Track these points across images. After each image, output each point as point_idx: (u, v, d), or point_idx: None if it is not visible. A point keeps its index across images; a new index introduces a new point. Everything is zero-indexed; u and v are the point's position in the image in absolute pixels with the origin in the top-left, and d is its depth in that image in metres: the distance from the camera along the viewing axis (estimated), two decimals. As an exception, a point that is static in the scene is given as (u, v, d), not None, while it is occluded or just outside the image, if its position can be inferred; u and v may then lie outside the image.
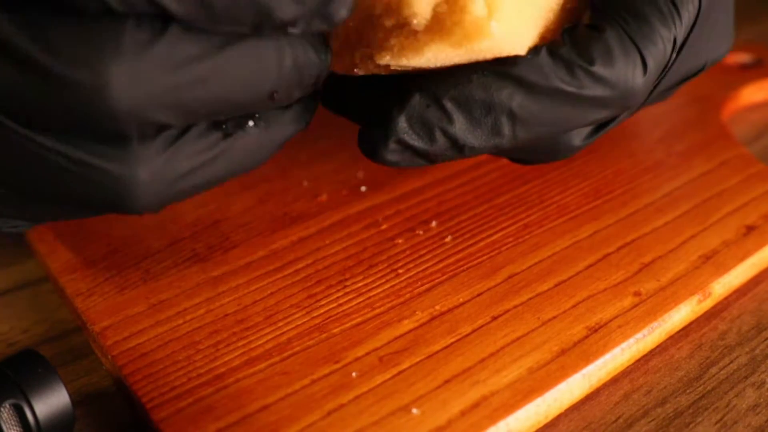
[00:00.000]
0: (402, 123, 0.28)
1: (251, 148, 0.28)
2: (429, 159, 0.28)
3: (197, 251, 0.34)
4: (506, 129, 0.28)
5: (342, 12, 0.25)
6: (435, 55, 0.27)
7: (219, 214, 0.36)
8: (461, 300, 0.32)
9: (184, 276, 0.33)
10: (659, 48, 0.29)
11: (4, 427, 0.25)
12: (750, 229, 0.35)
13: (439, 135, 0.28)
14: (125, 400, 0.30)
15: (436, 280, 0.33)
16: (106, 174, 0.25)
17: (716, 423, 0.29)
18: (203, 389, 0.28)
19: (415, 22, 0.27)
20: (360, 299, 0.32)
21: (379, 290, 0.32)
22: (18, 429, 0.25)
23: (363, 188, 0.38)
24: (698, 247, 0.34)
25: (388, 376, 0.28)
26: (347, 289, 0.32)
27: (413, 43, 0.27)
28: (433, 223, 0.36)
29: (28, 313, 0.34)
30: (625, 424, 0.29)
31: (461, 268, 0.33)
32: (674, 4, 0.29)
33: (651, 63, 0.28)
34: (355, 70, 0.29)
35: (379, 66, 0.28)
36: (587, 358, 0.29)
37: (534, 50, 0.28)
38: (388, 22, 0.27)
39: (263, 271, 0.33)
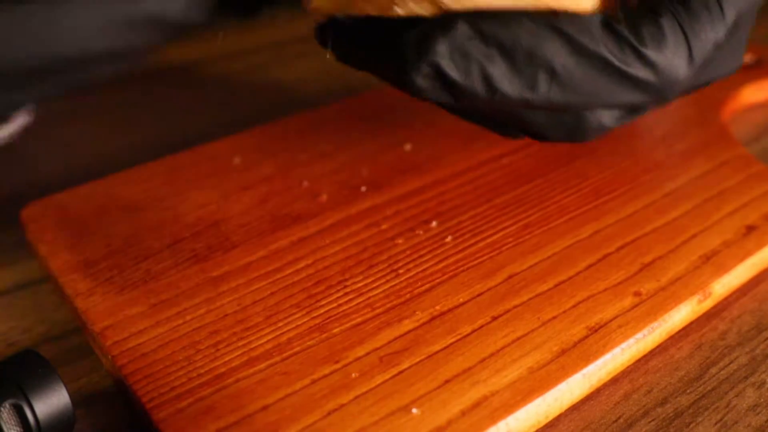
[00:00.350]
0: (442, 47, 0.26)
1: None
2: (456, 94, 0.27)
3: (197, 251, 0.34)
4: (543, 85, 0.27)
5: None
6: None
7: (219, 214, 0.36)
8: (461, 300, 0.32)
9: (184, 276, 0.33)
10: (705, 46, 0.29)
11: (4, 427, 0.25)
12: (750, 229, 0.35)
13: (476, 71, 0.27)
14: (125, 400, 0.30)
15: (437, 280, 0.33)
16: None
17: (716, 423, 0.29)
18: (203, 389, 0.28)
19: None
20: (360, 299, 0.32)
21: (379, 290, 0.32)
22: (18, 429, 0.25)
23: (363, 188, 0.38)
24: (698, 247, 0.34)
25: (388, 376, 0.28)
26: (347, 290, 0.32)
27: None
28: (434, 223, 0.36)
29: (28, 313, 0.34)
30: (625, 424, 0.29)
31: (461, 268, 0.33)
32: (721, 8, 0.29)
33: (697, 57, 0.29)
34: (396, 8, 0.27)
35: (432, 4, 0.27)
36: (587, 358, 0.29)
37: (590, 16, 0.27)
38: None
39: (263, 271, 0.33)
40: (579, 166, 0.40)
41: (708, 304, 0.33)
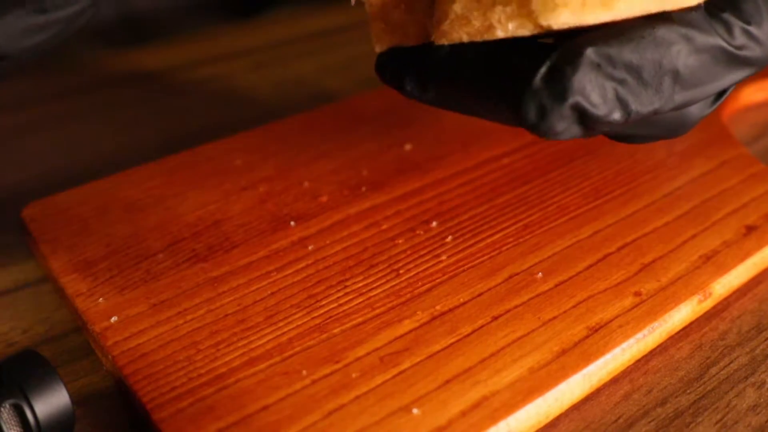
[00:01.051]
0: (579, 84, 0.24)
1: None
2: (594, 127, 0.26)
3: (197, 251, 0.34)
4: (668, 90, 0.26)
5: None
6: (629, 6, 0.25)
7: (219, 214, 0.36)
8: (462, 300, 0.32)
9: (185, 276, 0.33)
10: None
11: (4, 427, 0.25)
12: (750, 229, 0.35)
13: (612, 99, 0.25)
14: (125, 400, 0.30)
15: (437, 280, 0.33)
16: None
17: (716, 423, 0.29)
18: (204, 389, 0.28)
19: None
20: (360, 299, 0.32)
21: (380, 290, 0.32)
22: (18, 429, 0.25)
23: (363, 188, 0.38)
24: (698, 247, 0.34)
25: (388, 376, 0.28)
26: (347, 290, 0.32)
27: None
28: (434, 223, 0.36)
29: (28, 313, 0.34)
30: (625, 424, 0.29)
31: (461, 268, 0.33)
32: None
33: None
34: (497, 31, 0.26)
35: (538, 25, 0.25)
36: (588, 358, 0.29)
37: (695, 10, 0.27)
38: None
39: (263, 271, 0.33)
40: (579, 166, 0.40)
41: (708, 304, 0.33)
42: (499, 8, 0.26)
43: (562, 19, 0.24)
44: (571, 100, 0.24)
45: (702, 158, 0.40)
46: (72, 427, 0.26)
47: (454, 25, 0.27)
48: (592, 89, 0.25)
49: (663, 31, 0.26)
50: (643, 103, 0.26)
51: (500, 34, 0.26)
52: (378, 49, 0.30)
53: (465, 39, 0.26)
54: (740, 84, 0.47)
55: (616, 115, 0.25)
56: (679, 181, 0.39)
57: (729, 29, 0.27)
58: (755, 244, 0.35)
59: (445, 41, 0.27)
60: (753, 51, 0.28)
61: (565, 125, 0.25)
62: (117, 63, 0.55)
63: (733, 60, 0.28)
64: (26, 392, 0.25)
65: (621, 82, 0.25)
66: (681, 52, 0.26)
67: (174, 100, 0.50)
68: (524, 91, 0.25)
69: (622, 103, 0.25)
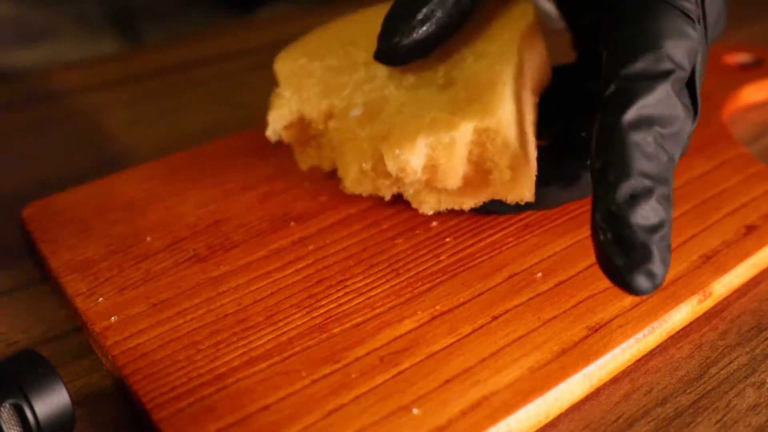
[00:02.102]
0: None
1: None
2: None
3: (197, 251, 0.34)
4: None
5: None
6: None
7: (219, 214, 0.36)
8: (461, 300, 0.32)
9: (184, 276, 0.33)
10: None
11: (4, 427, 0.25)
12: (750, 229, 0.35)
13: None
14: (125, 400, 0.30)
15: (437, 280, 0.33)
16: None
17: (716, 423, 0.29)
18: (204, 389, 0.28)
19: None
20: (360, 299, 0.32)
21: (380, 290, 0.32)
22: (18, 429, 0.25)
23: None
24: (698, 247, 0.34)
25: (388, 376, 0.28)
26: (348, 289, 0.32)
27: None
28: (434, 223, 0.36)
29: (28, 313, 0.34)
30: (625, 423, 0.29)
31: (461, 268, 0.33)
32: None
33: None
34: (386, 195, 0.35)
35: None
36: (588, 358, 0.29)
37: None
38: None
39: (263, 271, 0.33)
40: (579, 166, 0.40)
41: (708, 304, 0.33)
42: (383, 182, 0.34)
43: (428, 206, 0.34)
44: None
45: (702, 158, 0.40)
46: (72, 427, 0.26)
47: (352, 185, 0.35)
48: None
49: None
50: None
51: (387, 196, 0.35)
52: (302, 167, 0.38)
53: (364, 194, 0.35)
54: (740, 84, 0.47)
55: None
56: (679, 181, 0.39)
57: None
58: (755, 244, 0.35)
59: (351, 191, 0.35)
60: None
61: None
62: (116, 63, 0.55)
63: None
64: (26, 392, 0.25)
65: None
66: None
67: (174, 100, 0.50)
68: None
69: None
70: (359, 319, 0.31)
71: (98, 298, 0.32)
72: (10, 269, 0.36)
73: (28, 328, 0.33)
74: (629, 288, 0.26)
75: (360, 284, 0.32)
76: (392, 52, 0.33)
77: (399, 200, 0.37)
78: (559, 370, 0.29)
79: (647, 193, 0.27)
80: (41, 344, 0.32)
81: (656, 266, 0.26)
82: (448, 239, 0.35)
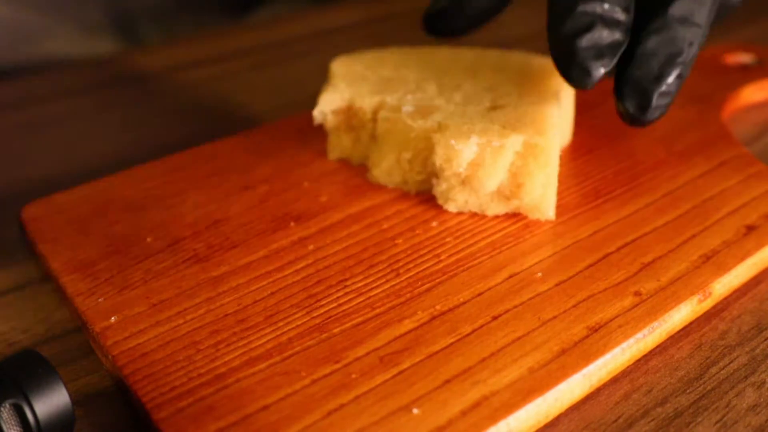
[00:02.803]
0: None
1: None
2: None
3: (197, 251, 0.34)
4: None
5: None
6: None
7: (219, 214, 0.36)
8: (461, 300, 0.32)
9: (184, 276, 0.33)
10: None
11: (4, 427, 0.25)
12: (750, 229, 0.35)
13: None
14: (125, 400, 0.30)
15: (437, 280, 0.33)
16: None
17: (716, 423, 0.29)
18: (204, 389, 0.28)
19: None
20: (360, 299, 0.32)
21: (380, 290, 0.32)
22: (18, 429, 0.25)
23: (363, 188, 0.38)
24: (698, 247, 0.34)
25: (388, 376, 0.28)
26: (347, 289, 0.32)
27: None
28: (434, 223, 0.36)
29: (28, 313, 0.34)
30: (625, 423, 0.29)
31: (461, 268, 0.33)
32: None
33: None
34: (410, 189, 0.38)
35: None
36: (588, 358, 0.29)
37: None
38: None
39: (263, 271, 0.33)
40: (579, 166, 0.40)
41: (708, 304, 0.33)
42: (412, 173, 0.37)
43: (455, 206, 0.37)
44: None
45: (702, 158, 0.40)
46: (72, 427, 0.26)
47: (381, 174, 0.38)
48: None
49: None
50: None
51: (413, 190, 0.38)
52: (330, 156, 0.40)
53: (390, 186, 0.38)
54: (740, 84, 0.47)
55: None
56: (679, 181, 0.39)
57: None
58: (755, 244, 0.35)
59: (373, 180, 0.38)
60: None
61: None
62: (117, 63, 0.55)
63: None
64: (26, 392, 0.25)
65: None
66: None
67: (174, 100, 0.50)
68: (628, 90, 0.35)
69: None
70: (359, 319, 0.31)
71: (98, 298, 0.32)
72: (10, 269, 0.36)
73: (28, 328, 0.33)
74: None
75: (360, 284, 0.32)
76: (438, 16, 0.39)
77: (399, 199, 0.37)
78: (559, 370, 0.29)
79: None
80: (41, 344, 0.32)
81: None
82: (448, 239, 0.35)
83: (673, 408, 0.29)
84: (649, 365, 0.31)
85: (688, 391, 0.30)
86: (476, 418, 0.27)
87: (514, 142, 0.34)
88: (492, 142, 0.34)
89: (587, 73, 0.33)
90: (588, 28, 0.32)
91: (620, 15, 0.33)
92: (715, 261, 0.34)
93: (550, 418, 0.28)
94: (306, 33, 0.60)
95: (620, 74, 0.34)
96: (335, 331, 0.30)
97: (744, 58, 0.51)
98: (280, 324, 0.31)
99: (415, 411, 0.27)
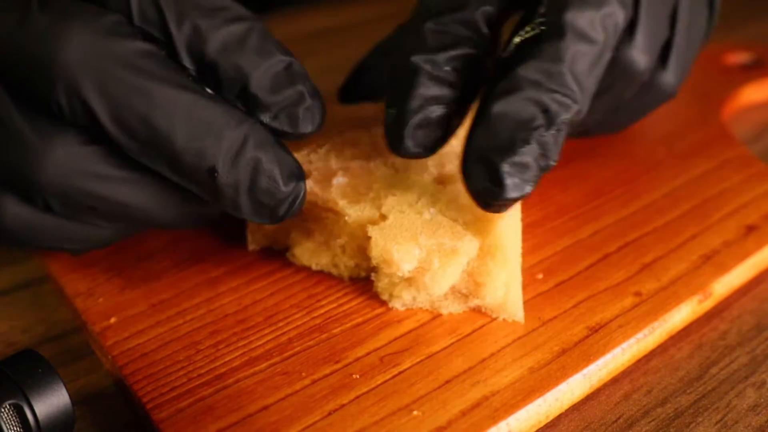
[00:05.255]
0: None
1: (159, 195, 0.28)
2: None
3: (197, 251, 0.34)
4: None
5: (307, 126, 0.28)
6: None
7: (219, 214, 0.36)
8: (462, 300, 0.32)
9: (184, 276, 0.33)
10: None
11: (4, 427, 0.25)
12: (750, 229, 0.35)
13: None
14: (125, 400, 0.30)
15: (437, 280, 0.33)
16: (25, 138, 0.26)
17: (716, 423, 0.29)
18: (203, 389, 0.28)
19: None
20: (360, 299, 0.32)
21: (380, 290, 0.32)
22: (18, 429, 0.25)
23: (363, 188, 0.38)
24: (699, 247, 0.34)
25: (388, 376, 0.28)
26: (347, 289, 0.32)
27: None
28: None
29: (28, 313, 0.34)
30: (625, 424, 0.29)
31: (461, 268, 0.33)
32: None
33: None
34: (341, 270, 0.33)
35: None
36: (588, 358, 0.29)
37: None
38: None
39: (263, 271, 0.33)
40: (579, 166, 0.40)
41: (708, 304, 0.33)
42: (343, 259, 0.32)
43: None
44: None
45: (702, 158, 0.40)
46: (72, 427, 0.26)
47: (306, 254, 0.33)
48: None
49: None
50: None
51: (345, 275, 0.32)
52: (251, 248, 0.34)
53: (314, 268, 0.33)
54: (740, 84, 0.47)
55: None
56: (679, 181, 0.39)
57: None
58: (755, 244, 0.35)
59: (300, 262, 0.33)
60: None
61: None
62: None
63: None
64: (26, 392, 0.25)
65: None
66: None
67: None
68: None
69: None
70: (359, 320, 0.31)
71: (98, 298, 0.32)
72: (10, 269, 0.36)
73: (28, 328, 0.33)
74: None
75: (360, 284, 0.32)
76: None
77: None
78: (559, 370, 0.29)
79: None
80: (41, 344, 0.32)
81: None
82: (448, 239, 0.35)
83: (673, 408, 0.29)
84: (649, 365, 0.31)
85: (688, 391, 0.30)
86: (476, 418, 0.27)
87: (469, 247, 0.29)
88: (444, 245, 0.29)
89: (411, 153, 0.29)
90: (419, 109, 0.29)
91: (446, 90, 0.29)
92: (716, 261, 0.34)
93: (550, 418, 0.28)
94: (306, 33, 0.60)
95: (464, 147, 0.29)
96: (335, 331, 0.30)
97: (744, 58, 0.51)
98: (280, 324, 0.31)
99: (415, 412, 0.27)
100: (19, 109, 0.26)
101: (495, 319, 0.31)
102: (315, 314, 0.31)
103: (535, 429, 0.28)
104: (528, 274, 0.33)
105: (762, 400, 0.30)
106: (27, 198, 0.27)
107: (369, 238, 0.30)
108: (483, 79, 0.30)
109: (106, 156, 0.27)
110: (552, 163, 0.28)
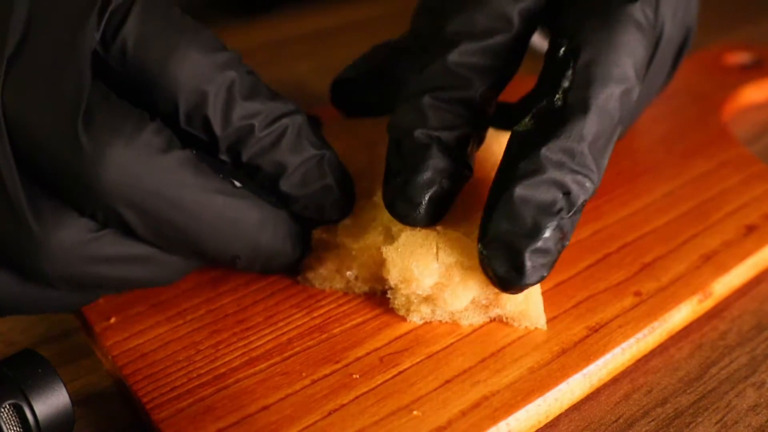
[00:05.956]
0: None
1: (169, 266, 0.29)
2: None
3: (197, 251, 0.34)
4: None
5: (333, 216, 0.31)
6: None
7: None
8: (461, 300, 0.32)
9: (184, 276, 0.33)
10: None
11: (4, 427, 0.25)
12: (750, 229, 0.35)
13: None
14: (125, 400, 0.30)
15: (437, 280, 0.33)
16: (26, 227, 0.26)
17: (716, 423, 0.29)
18: (203, 389, 0.28)
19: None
20: (360, 299, 0.32)
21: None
22: (18, 429, 0.25)
23: (364, 185, 0.38)
24: (698, 247, 0.34)
25: (388, 376, 0.28)
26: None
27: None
28: (434, 223, 0.36)
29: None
30: (625, 424, 0.29)
31: (461, 268, 0.33)
32: None
33: None
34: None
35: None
36: (588, 358, 0.29)
37: None
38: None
39: (263, 271, 0.33)
40: (579, 166, 0.40)
41: (708, 304, 0.33)
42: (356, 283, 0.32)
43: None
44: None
45: (702, 158, 0.40)
46: (72, 427, 0.26)
47: (316, 278, 0.32)
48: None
49: None
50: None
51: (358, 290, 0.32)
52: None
53: (327, 290, 0.32)
54: (740, 84, 0.47)
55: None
56: (679, 181, 0.39)
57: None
58: (755, 244, 0.35)
59: (307, 284, 0.32)
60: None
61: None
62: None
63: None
64: (26, 392, 0.25)
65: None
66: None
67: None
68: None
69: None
70: (359, 320, 0.31)
71: (98, 299, 0.32)
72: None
73: (28, 328, 0.33)
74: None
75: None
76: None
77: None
78: (559, 370, 0.29)
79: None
80: (41, 344, 0.32)
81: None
82: (448, 239, 0.35)
83: (673, 408, 0.29)
84: (649, 365, 0.31)
85: (688, 391, 0.30)
86: (476, 418, 0.27)
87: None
88: (462, 262, 0.29)
89: (423, 223, 0.30)
90: (431, 182, 0.29)
91: (453, 165, 0.29)
92: (715, 261, 0.34)
93: (551, 418, 0.28)
94: (306, 33, 0.60)
95: (482, 228, 0.28)
96: (335, 331, 0.30)
97: (744, 58, 0.51)
98: (280, 324, 0.31)
99: (416, 411, 0.27)
100: (27, 192, 0.26)
101: (495, 318, 0.31)
102: (315, 314, 0.31)
103: (534, 429, 0.28)
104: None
105: (762, 400, 0.30)
106: (26, 278, 0.27)
107: (384, 260, 0.30)
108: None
109: (120, 238, 0.27)
110: (567, 243, 0.28)
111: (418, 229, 0.30)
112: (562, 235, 0.28)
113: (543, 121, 0.29)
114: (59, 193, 0.26)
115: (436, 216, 0.30)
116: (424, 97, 0.30)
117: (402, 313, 0.31)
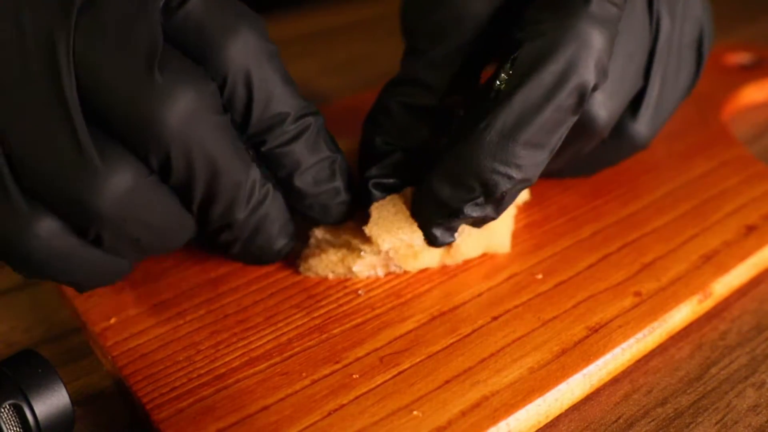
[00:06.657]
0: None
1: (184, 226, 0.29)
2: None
3: (198, 252, 0.34)
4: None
5: (336, 218, 0.32)
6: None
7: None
8: (461, 300, 0.32)
9: (184, 276, 0.33)
10: None
11: (4, 427, 0.25)
12: (750, 229, 0.35)
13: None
14: (125, 400, 0.30)
15: (437, 281, 0.33)
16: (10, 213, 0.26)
17: (716, 423, 0.29)
18: (203, 389, 0.28)
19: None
20: (360, 299, 0.32)
21: (380, 290, 0.32)
22: (18, 429, 0.25)
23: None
24: (699, 247, 0.34)
25: (388, 376, 0.28)
26: (347, 290, 0.32)
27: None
28: (434, 223, 0.36)
29: (28, 313, 0.34)
30: (625, 424, 0.29)
31: (461, 268, 0.33)
32: None
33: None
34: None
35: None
36: (588, 358, 0.29)
37: None
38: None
39: (263, 272, 0.33)
40: (579, 166, 0.40)
41: (708, 304, 0.33)
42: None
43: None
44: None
45: (702, 158, 0.40)
46: (72, 427, 0.26)
47: (319, 264, 0.33)
48: None
49: None
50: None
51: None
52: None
53: (331, 277, 0.33)
54: (740, 84, 0.47)
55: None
56: (679, 181, 0.39)
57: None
58: (755, 244, 0.35)
59: (309, 273, 0.33)
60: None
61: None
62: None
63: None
64: (26, 392, 0.25)
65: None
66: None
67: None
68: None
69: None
70: (359, 320, 0.31)
71: (98, 299, 0.32)
72: (11, 269, 0.36)
73: (28, 328, 0.33)
74: None
75: (360, 285, 0.32)
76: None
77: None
78: (559, 370, 0.29)
79: None
80: (41, 344, 0.32)
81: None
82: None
83: (673, 408, 0.29)
84: (649, 365, 0.31)
85: (688, 391, 0.30)
86: (476, 418, 0.27)
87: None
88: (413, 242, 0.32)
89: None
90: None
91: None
92: (715, 261, 0.34)
93: (550, 418, 0.28)
94: (306, 33, 0.60)
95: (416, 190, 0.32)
96: (335, 331, 0.30)
97: (744, 58, 0.51)
98: (280, 324, 0.31)
99: (416, 412, 0.27)
100: (90, 130, 0.26)
101: (495, 318, 0.31)
102: (315, 314, 0.31)
103: (534, 429, 0.28)
104: (528, 274, 0.33)
105: (762, 400, 0.30)
106: (76, 227, 0.27)
107: (370, 237, 0.31)
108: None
109: (158, 186, 0.27)
110: (495, 217, 0.31)
111: (388, 199, 0.32)
112: (482, 215, 0.30)
113: (474, 109, 0.30)
114: (120, 135, 0.26)
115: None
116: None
117: (407, 267, 0.33)
